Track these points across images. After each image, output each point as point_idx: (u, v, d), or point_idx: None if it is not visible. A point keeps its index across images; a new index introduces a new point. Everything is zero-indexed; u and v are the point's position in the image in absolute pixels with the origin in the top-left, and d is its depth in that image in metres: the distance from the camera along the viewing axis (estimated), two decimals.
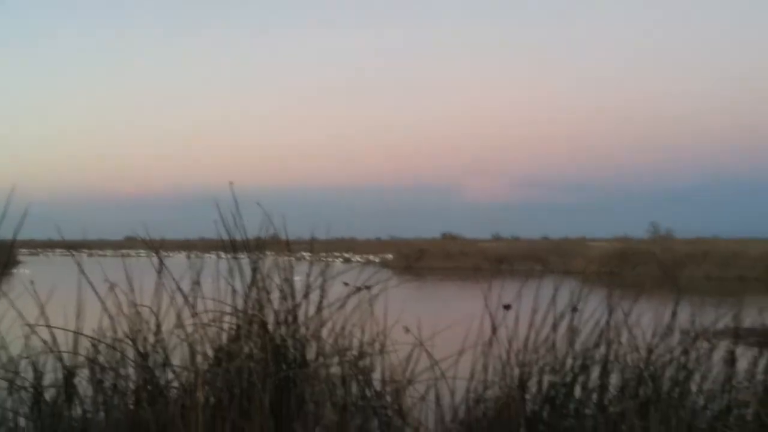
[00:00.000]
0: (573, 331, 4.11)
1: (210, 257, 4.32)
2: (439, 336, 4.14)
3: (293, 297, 4.09)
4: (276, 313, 4.06)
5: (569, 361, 4.06)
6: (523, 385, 4.00)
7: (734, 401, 3.97)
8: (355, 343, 4.10)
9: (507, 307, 4.24)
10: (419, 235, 49.46)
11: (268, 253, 4.20)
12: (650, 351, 4.03)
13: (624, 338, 4.09)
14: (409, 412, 3.93)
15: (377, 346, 4.09)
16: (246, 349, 3.97)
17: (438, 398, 3.94)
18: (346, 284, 4.38)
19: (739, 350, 4.07)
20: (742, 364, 4.04)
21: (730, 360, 4.02)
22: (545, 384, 4.04)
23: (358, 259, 37.56)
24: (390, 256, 42.51)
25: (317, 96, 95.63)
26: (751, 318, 4.37)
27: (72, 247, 4.43)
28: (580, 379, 4.05)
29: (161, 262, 4.08)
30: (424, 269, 36.38)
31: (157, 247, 4.19)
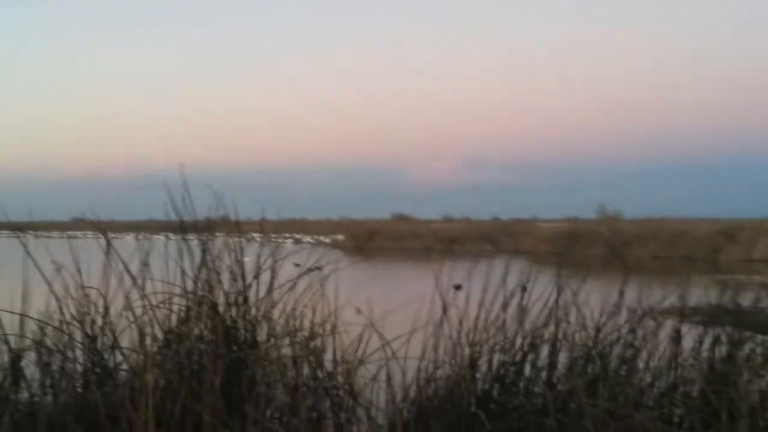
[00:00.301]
0: (523, 311, 4.18)
1: (159, 239, 4.34)
2: (390, 316, 4.19)
3: (244, 278, 4.12)
4: (226, 295, 4.09)
5: (519, 341, 4.13)
6: (473, 365, 4.06)
7: (680, 378, 4.08)
8: (306, 324, 4.15)
9: (458, 287, 4.30)
10: (370, 216, 49.93)
11: (218, 234, 4.23)
12: (598, 330, 4.12)
13: (573, 317, 4.18)
14: (361, 392, 3.99)
15: (328, 326, 4.14)
16: (196, 331, 4.01)
17: (389, 378, 3.98)
18: (297, 265, 4.42)
19: (685, 328, 4.18)
20: (688, 342, 4.15)
21: (676, 338, 4.13)
22: (495, 363, 4.11)
23: (309, 240, 37.79)
24: (341, 237, 42.86)
25: (268, 77, 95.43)
26: (696, 297, 4.48)
27: (17, 228, 4.41)
28: (530, 357, 4.12)
29: (109, 244, 4.09)
30: (375, 250, 36.91)
31: (105, 228, 4.20)
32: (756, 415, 3.70)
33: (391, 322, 4.17)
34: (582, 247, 30.19)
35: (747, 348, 4.11)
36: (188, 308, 4.04)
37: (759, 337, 4.20)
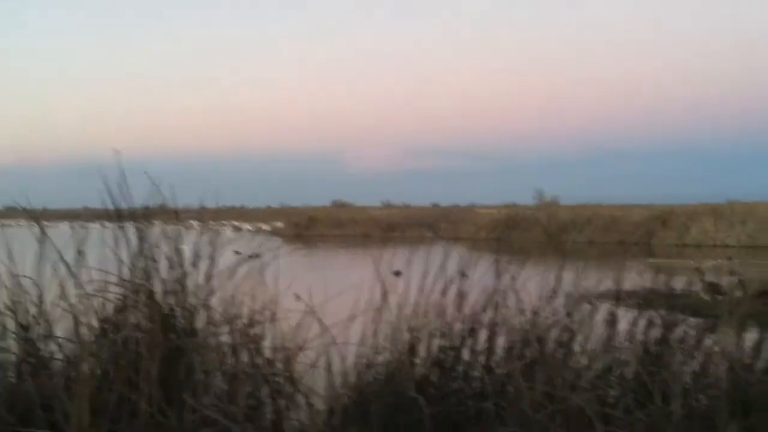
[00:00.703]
0: (462, 296, 4.28)
1: (95, 227, 4.34)
2: (330, 303, 4.25)
3: (182, 266, 4.15)
4: (164, 283, 4.10)
5: (458, 325, 4.23)
6: (413, 350, 4.15)
7: (615, 361, 4.21)
8: (246, 311, 4.19)
9: (397, 273, 4.38)
10: (310, 203, 50.65)
11: (155, 222, 4.25)
12: (536, 314, 4.23)
13: (511, 302, 4.28)
14: (300, 378, 4.04)
15: (268, 314, 4.18)
16: (133, 320, 4.02)
17: (329, 364, 4.03)
18: (237, 253, 4.46)
19: (620, 312, 4.31)
20: (623, 325, 4.28)
21: (611, 321, 4.26)
22: (434, 348, 4.20)
23: (248, 227, 37.85)
24: (280, 225, 43.20)
25: (204, 63, 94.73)
26: (631, 281, 4.62)
27: None
28: (468, 342, 4.22)
29: (43, 232, 4.08)
30: (315, 237, 37.42)
31: (39, 216, 4.20)
32: (688, 395, 3.84)
33: (330, 308, 4.23)
34: (520, 232, 31.06)
35: (679, 330, 4.26)
36: (125, 297, 4.05)
37: (691, 320, 4.37)
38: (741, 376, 4.05)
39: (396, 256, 4.51)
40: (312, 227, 42.33)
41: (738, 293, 5.45)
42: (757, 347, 4.20)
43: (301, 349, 4.10)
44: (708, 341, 4.23)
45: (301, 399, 3.99)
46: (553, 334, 4.20)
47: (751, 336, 4.27)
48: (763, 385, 4.06)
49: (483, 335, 4.24)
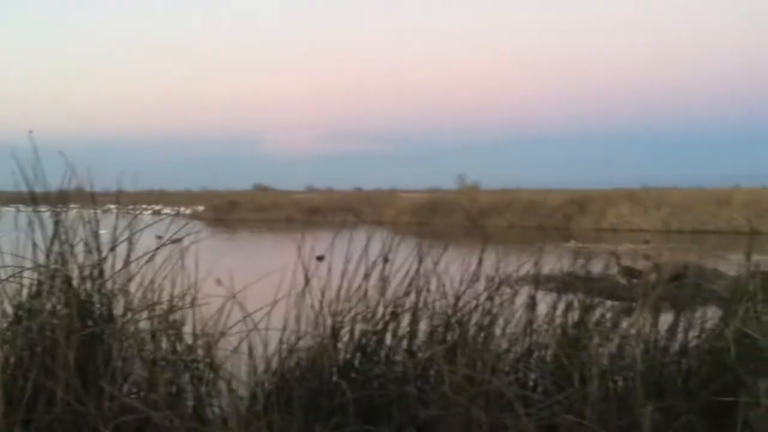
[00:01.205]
0: (384, 281, 4.35)
1: (9, 211, 4.31)
2: (251, 288, 4.30)
3: (99, 251, 4.14)
4: (81, 268, 4.09)
5: (380, 310, 4.31)
6: (335, 335, 4.21)
7: (535, 344, 4.36)
8: (165, 297, 4.21)
9: (320, 258, 4.44)
10: (231, 187, 50.51)
11: (72, 205, 4.23)
12: (458, 298, 4.34)
13: (433, 286, 4.38)
14: (221, 364, 4.09)
15: (188, 299, 4.22)
16: (48, 306, 4.02)
17: (251, 350, 4.07)
18: (157, 237, 4.47)
19: (540, 295, 4.46)
20: (542, 308, 4.43)
21: (531, 305, 4.40)
22: (357, 332, 4.27)
23: (168, 211, 37.73)
24: (201, 208, 43.00)
25: (119, 43, 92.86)
26: (550, 264, 4.78)
27: None
28: (391, 326, 4.31)
29: None
30: (237, 221, 37.65)
31: None
32: (605, 377, 4.00)
33: (252, 293, 4.28)
34: (442, 217, 31.79)
35: (597, 313, 4.42)
36: (40, 282, 4.04)
37: (608, 303, 4.54)
38: (656, 358, 4.24)
39: (319, 241, 4.57)
40: (233, 211, 42.61)
41: (653, 277, 5.67)
42: (672, 329, 4.37)
43: (222, 334, 4.13)
44: (624, 324, 4.40)
45: (222, 385, 4.03)
46: (475, 317, 4.32)
47: (665, 318, 4.46)
48: (677, 367, 4.26)
49: (405, 319, 4.33)
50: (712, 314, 4.52)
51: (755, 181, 35.65)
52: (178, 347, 4.13)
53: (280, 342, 4.19)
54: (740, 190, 33.41)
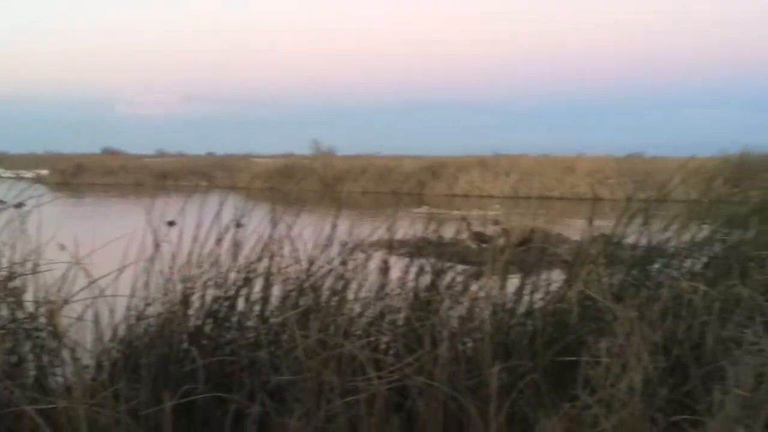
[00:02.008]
0: (237, 246, 4.43)
1: None
2: (98, 254, 4.30)
3: None
4: None
5: (233, 275, 4.38)
6: (186, 301, 4.25)
7: (387, 308, 4.51)
8: (5, 263, 4.16)
9: (171, 223, 4.47)
10: (78, 150, 49.72)
11: None
12: (311, 263, 4.45)
13: (286, 251, 4.48)
14: (66, 332, 4.09)
15: (29, 265, 4.19)
16: None
17: (97, 317, 4.08)
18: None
19: (392, 260, 4.62)
20: (395, 273, 4.59)
21: (384, 269, 4.55)
22: (209, 298, 4.33)
23: (9, 174, 36.88)
24: (45, 172, 42.27)
25: None
26: (403, 230, 4.96)
27: None
28: (243, 292, 4.38)
29: None
30: (84, 185, 37.20)
31: None
32: (455, 339, 4.19)
33: (99, 259, 4.27)
34: (296, 182, 32.19)
35: (448, 277, 4.61)
36: None
37: (459, 267, 4.76)
38: (503, 320, 4.48)
39: (170, 206, 4.59)
40: (80, 175, 42.06)
41: (501, 241, 5.95)
42: (519, 292, 4.61)
43: (66, 302, 4.12)
44: (474, 287, 4.61)
45: (66, 354, 4.03)
46: (328, 282, 4.44)
47: (513, 281, 4.71)
48: (523, 328, 4.52)
49: (258, 285, 4.40)
50: (556, 277, 4.78)
51: (597, 149, 37.55)
52: (19, 315, 4.09)
53: (128, 309, 4.19)
54: (583, 158, 35.17)
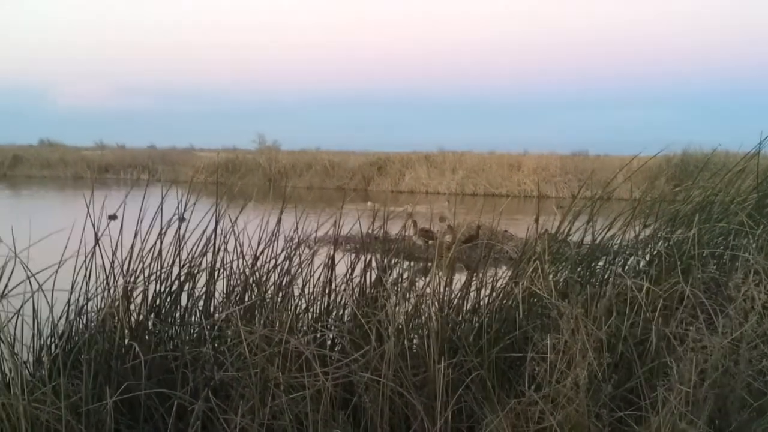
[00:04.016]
0: (180, 240, 4.46)
1: None
2: (36, 247, 4.27)
3: None
4: None
5: (175, 270, 4.41)
6: (127, 295, 4.27)
7: (333, 303, 4.59)
8: None
9: (112, 217, 4.46)
10: (14, 141, 49.05)
11: None
12: (256, 258, 4.51)
13: (231, 246, 4.53)
14: (3, 327, 4.06)
15: None
16: None
17: (35, 312, 4.07)
18: None
19: (338, 255, 4.70)
20: (341, 268, 4.67)
21: (330, 265, 4.63)
22: (151, 293, 4.35)
23: None
24: None
25: None
26: (348, 225, 5.04)
27: None
28: (187, 287, 4.42)
29: None
30: (20, 177, 36.88)
31: None
32: (402, 335, 4.27)
33: (37, 253, 4.24)
34: (241, 176, 32.36)
35: (394, 273, 4.71)
36: None
37: (405, 263, 4.86)
38: (450, 317, 4.57)
39: (110, 199, 4.58)
40: (16, 167, 41.91)
41: (448, 238, 6.07)
42: (465, 289, 4.71)
43: (3, 296, 4.09)
44: (420, 283, 4.71)
45: (4, 349, 4.00)
46: (273, 277, 4.51)
47: (459, 278, 4.81)
48: (470, 324, 4.63)
49: (202, 280, 4.44)
50: (502, 274, 4.91)
51: (542, 147, 38.30)
52: None
53: (68, 303, 4.19)
54: (529, 156, 35.93)
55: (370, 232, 4.99)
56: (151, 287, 4.35)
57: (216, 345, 4.19)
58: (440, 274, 4.59)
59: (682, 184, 6.39)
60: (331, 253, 4.65)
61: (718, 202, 5.34)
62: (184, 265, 4.42)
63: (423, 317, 4.52)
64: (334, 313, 4.58)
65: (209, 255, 4.45)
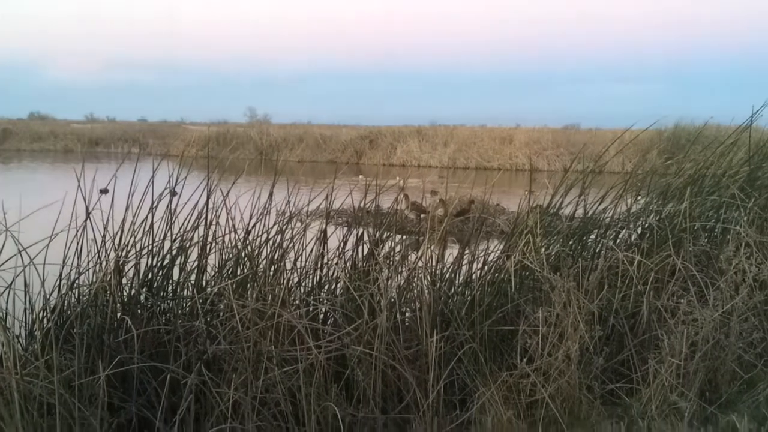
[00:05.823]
0: (171, 214, 4.46)
1: None
2: (27, 221, 4.27)
3: None
4: None
5: (167, 244, 4.42)
6: (119, 269, 4.27)
7: (326, 277, 4.62)
8: None
9: (104, 191, 4.46)
10: (4, 115, 49.00)
11: None
12: (248, 232, 4.50)
13: (222, 220, 4.54)
14: None
15: None
16: None
17: (27, 286, 4.07)
18: None
19: (330, 229, 4.71)
20: (333, 242, 4.68)
21: (322, 238, 4.64)
22: (143, 267, 4.36)
23: None
24: None
25: None
26: (341, 199, 5.04)
27: None
28: (179, 261, 4.42)
29: None
30: (11, 151, 37.01)
31: None
32: (394, 309, 4.28)
33: (28, 227, 4.24)
34: (232, 150, 32.43)
35: (387, 247, 4.74)
36: None
37: (397, 237, 4.88)
38: (442, 290, 4.61)
39: (101, 173, 4.58)
40: (6, 140, 41.64)
41: (439, 212, 6.09)
42: (457, 262, 4.74)
43: None
44: (412, 257, 4.74)
45: None
46: (265, 251, 4.52)
47: (451, 251, 4.85)
48: (462, 298, 4.67)
49: (194, 254, 4.45)
50: (494, 247, 4.94)
51: (534, 122, 38.42)
52: None
53: (60, 277, 4.19)
54: (521, 129, 36.17)
55: (362, 205, 5.00)
56: (143, 261, 4.36)
57: (208, 319, 4.19)
58: (432, 247, 4.61)
59: (673, 158, 6.43)
60: (323, 226, 4.66)
61: (710, 176, 5.38)
62: (175, 239, 4.42)
63: (415, 291, 4.55)
64: (326, 287, 4.60)
65: (201, 229, 4.45)
